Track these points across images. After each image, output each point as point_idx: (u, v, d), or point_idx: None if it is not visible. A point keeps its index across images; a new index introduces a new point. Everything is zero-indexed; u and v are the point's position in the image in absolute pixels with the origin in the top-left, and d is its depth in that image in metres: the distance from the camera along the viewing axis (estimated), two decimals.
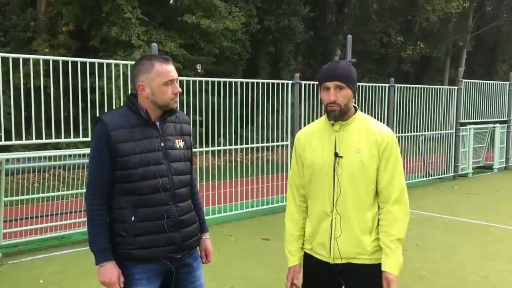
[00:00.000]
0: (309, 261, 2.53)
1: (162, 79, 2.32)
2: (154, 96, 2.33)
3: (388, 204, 2.37)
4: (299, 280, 2.55)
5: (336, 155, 2.38)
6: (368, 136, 2.37)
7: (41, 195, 6.78)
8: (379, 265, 2.38)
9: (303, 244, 2.54)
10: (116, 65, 7.01)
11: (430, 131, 11.51)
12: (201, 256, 2.61)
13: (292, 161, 2.62)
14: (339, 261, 2.39)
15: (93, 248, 2.31)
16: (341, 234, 2.37)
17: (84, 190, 2.39)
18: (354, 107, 2.46)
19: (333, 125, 2.42)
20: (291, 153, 8.47)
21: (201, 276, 2.54)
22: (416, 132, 11.14)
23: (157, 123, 2.38)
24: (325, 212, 2.41)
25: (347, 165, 2.36)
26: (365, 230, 2.37)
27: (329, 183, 2.39)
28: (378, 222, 2.39)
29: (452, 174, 11.78)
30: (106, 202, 2.32)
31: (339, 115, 2.37)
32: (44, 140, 6.34)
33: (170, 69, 2.35)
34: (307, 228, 2.52)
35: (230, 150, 8.12)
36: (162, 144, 2.36)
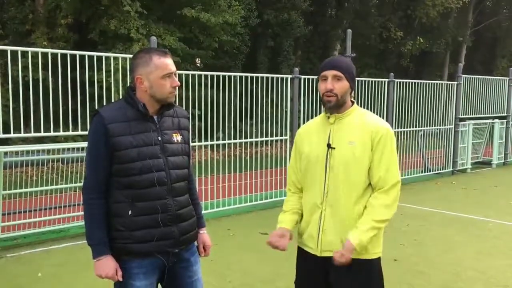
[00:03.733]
0: (300, 254, 2.55)
1: (160, 72, 2.30)
2: (152, 89, 2.31)
3: (378, 193, 2.36)
4: (284, 239, 2.47)
5: (328, 146, 2.38)
6: (362, 129, 2.37)
7: (39, 188, 6.78)
8: (366, 260, 2.36)
9: (296, 222, 2.55)
10: (115, 58, 7.00)
11: (429, 126, 11.51)
12: (198, 251, 2.60)
13: (291, 157, 2.63)
14: (326, 254, 2.38)
15: (90, 242, 2.30)
16: (329, 226, 2.37)
17: (82, 184, 2.38)
18: (352, 101, 2.47)
19: (328, 117, 2.44)
20: (290, 147, 8.51)
21: (198, 271, 2.53)
22: (415, 127, 11.13)
23: (155, 117, 2.37)
24: (315, 204, 2.42)
25: (339, 156, 2.36)
26: (354, 223, 2.35)
27: (320, 175, 2.40)
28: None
29: (451, 169, 11.79)
30: (103, 196, 2.30)
31: (335, 105, 2.38)
32: (42, 133, 6.32)
33: (168, 62, 2.33)
34: (301, 222, 2.53)
35: (229, 144, 8.10)
36: (159, 138, 2.34)
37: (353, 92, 2.45)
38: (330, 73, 2.36)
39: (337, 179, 2.36)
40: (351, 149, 2.35)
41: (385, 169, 2.35)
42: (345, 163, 2.35)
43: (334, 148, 2.38)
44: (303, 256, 2.52)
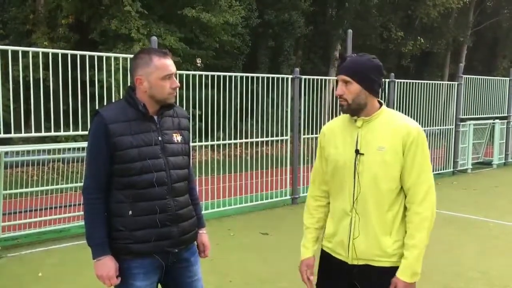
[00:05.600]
0: (327, 259, 2.43)
1: (160, 73, 2.30)
2: (152, 90, 2.31)
3: (415, 205, 2.23)
4: (314, 275, 2.44)
5: (357, 152, 2.26)
6: (392, 132, 2.24)
7: (40, 188, 6.78)
8: (396, 268, 2.27)
9: (318, 239, 2.45)
10: (116, 58, 7.00)
11: (430, 126, 11.49)
12: (198, 251, 2.60)
13: (317, 158, 2.51)
14: (356, 262, 2.29)
15: (90, 242, 2.29)
16: (359, 234, 2.26)
17: (82, 184, 2.38)
18: (380, 102, 2.33)
19: (356, 120, 2.30)
20: (291, 147, 8.52)
21: (198, 271, 2.53)
22: None
23: (155, 117, 2.37)
24: (344, 211, 2.30)
25: (368, 163, 2.24)
26: (385, 231, 2.25)
27: (349, 181, 2.28)
28: (401, 222, 2.27)
29: (452, 169, 11.79)
30: (104, 195, 2.30)
31: (347, 110, 2.28)
32: (43, 133, 6.33)
33: (168, 63, 2.32)
34: (328, 227, 2.43)
35: (229, 144, 8.11)
36: (160, 138, 2.34)
37: (374, 92, 2.28)
38: (340, 77, 2.27)
39: (366, 186, 2.24)
40: (381, 155, 2.22)
41: (417, 173, 2.23)
42: (375, 169, 2.23)
43: (362, 154, 2.25)
44: (329, 261, 2.41)
